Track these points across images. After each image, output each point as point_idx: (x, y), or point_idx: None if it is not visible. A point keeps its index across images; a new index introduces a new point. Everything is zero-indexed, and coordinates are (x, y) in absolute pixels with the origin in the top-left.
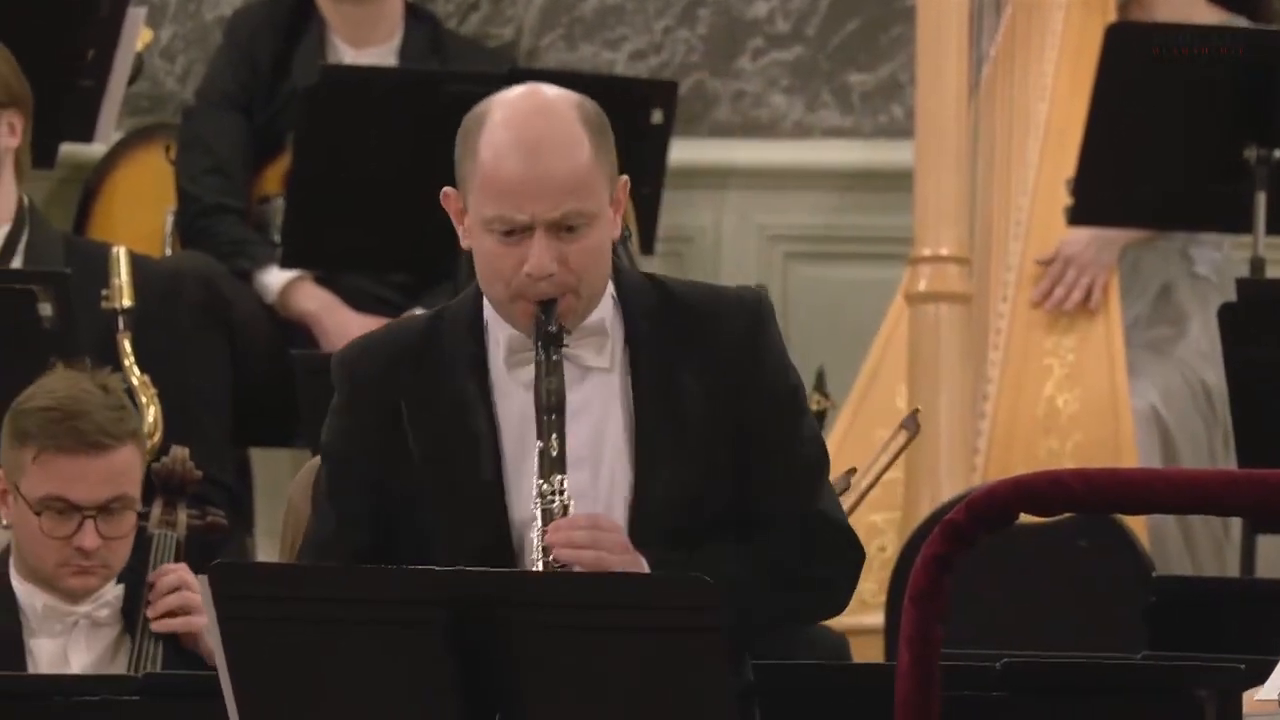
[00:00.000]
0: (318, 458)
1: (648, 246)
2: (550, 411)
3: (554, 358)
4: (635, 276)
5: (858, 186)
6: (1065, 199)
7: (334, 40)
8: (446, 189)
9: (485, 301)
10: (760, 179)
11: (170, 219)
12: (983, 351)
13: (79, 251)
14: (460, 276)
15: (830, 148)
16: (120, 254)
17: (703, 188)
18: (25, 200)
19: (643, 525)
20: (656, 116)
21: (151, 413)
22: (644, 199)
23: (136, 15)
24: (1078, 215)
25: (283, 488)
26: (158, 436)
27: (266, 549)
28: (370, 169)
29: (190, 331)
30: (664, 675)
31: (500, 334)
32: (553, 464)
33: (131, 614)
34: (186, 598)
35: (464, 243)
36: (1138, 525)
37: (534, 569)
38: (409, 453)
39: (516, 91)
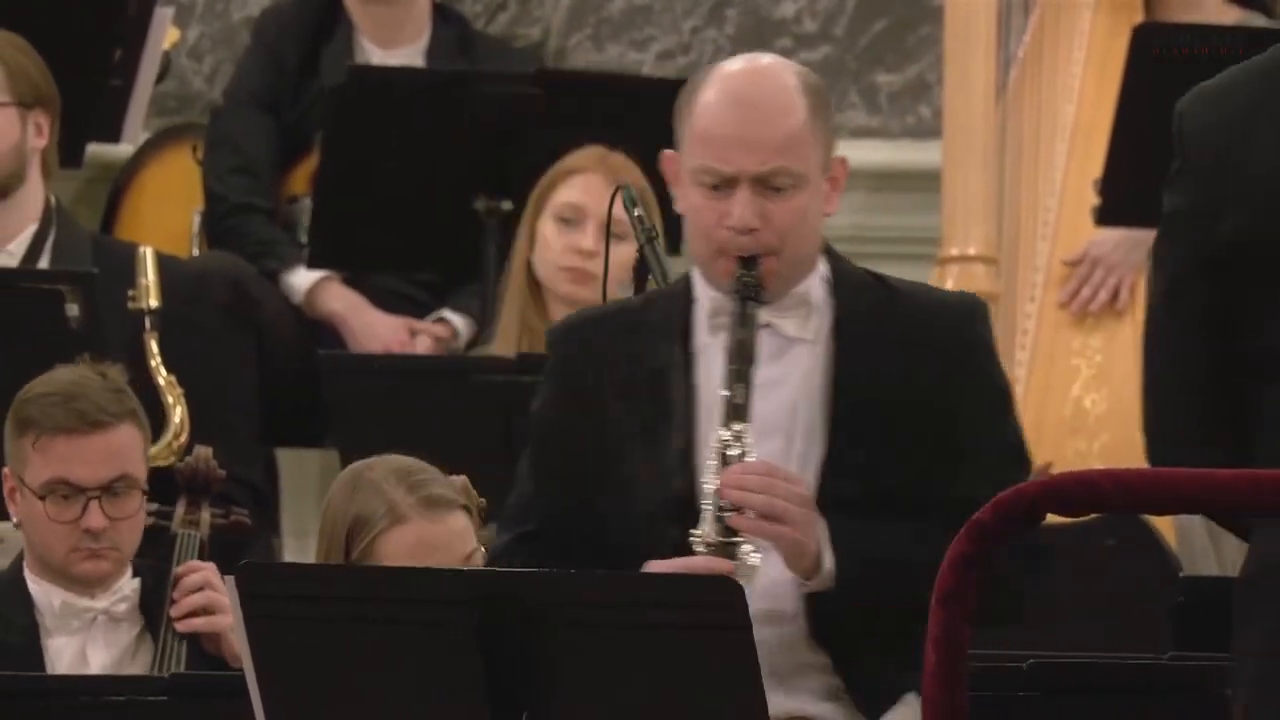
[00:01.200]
0: (356, 465)
1: (674, 247)
2: (739, 361)
3: (749, 310)
4: (853, 266)
5: (885, 186)
6: (1092, 199)
7: (362, 41)
8: (666, 151)
9: (695, 272)
10: None
11: (197, 219)
12: (1010, 351)
13: (106, 251)
14: (488, 276)
15: (858, 148)
16: (147, 254)
17: None
18: (52, 200)
19: (830, 497)
20: None
21: (178, 413)
22: (671, 199)
23: (164, 15)
24: (1105, 216)
25: (309, 489)
26: (184, 437)
27: (293, 550)
28: (398, 169)
29: (218, 331)
30: (692, 674)
31: (705, 298)
32: (735, 411)
33: (151, 610)
34: (211, 597)
35: (677, 206)
36: (1164, 525)
37: (704, 512)
38: (607, 418)
39: (739, 57)
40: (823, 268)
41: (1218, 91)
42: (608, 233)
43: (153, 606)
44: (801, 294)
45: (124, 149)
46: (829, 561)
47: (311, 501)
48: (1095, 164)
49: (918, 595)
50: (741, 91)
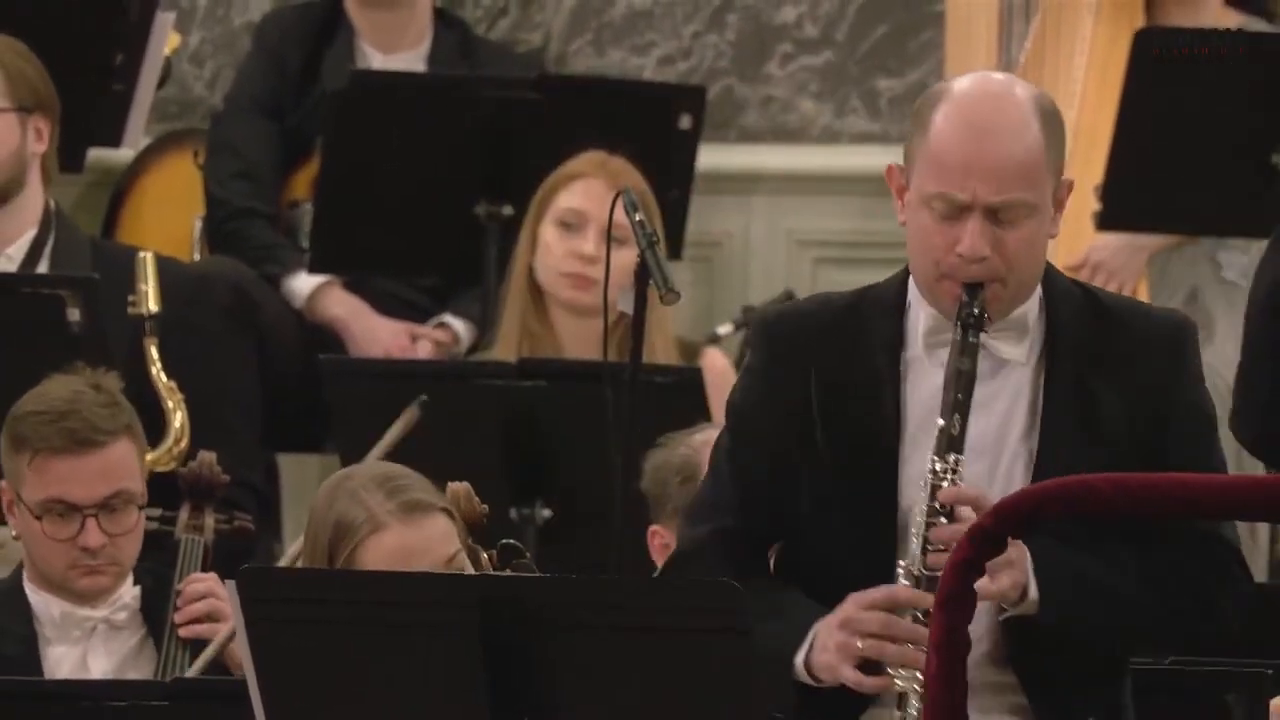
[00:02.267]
0: (337, 473)
1: (675, 252)
2: (957, 391)
3: (971, 339)
4: (1063, 280)
5: (886, 191)
6: (1094, 204)
7: (363, 46)
8: (891, 164)
9: (911, 283)
10: (789, 184)
11: (198, 224)
12: None
13: (106, 255)
14: (488, 281)
15: (859, 153)
16: (147, 259)
17: (731, 193)
18: (52, 204)
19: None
20: (685, 122)
21: (178, 418)
22: (672, 204)
23: (165, 20)
24: (1106, 221)
25: (311, 493)
26: (185, 442)
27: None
28: (399, 174)
29: (219, 334)
30: (692, 677)
31: (921, 314)
32: (950, 443)
33: (152, 616)
34: (214, 605)
35: (900, 218)
36: None
37: (913, 546)
38: (813, 422)
39: (972, 77)
40: (1038, 285)
41: None
42: (609, 238)
43: (154, 612)
44: (1020, 316)
45: (125, 154)
46: (1034, 591)
47: None
48: (1096, 169)
49: (1119, 624)
50: (978, 117)
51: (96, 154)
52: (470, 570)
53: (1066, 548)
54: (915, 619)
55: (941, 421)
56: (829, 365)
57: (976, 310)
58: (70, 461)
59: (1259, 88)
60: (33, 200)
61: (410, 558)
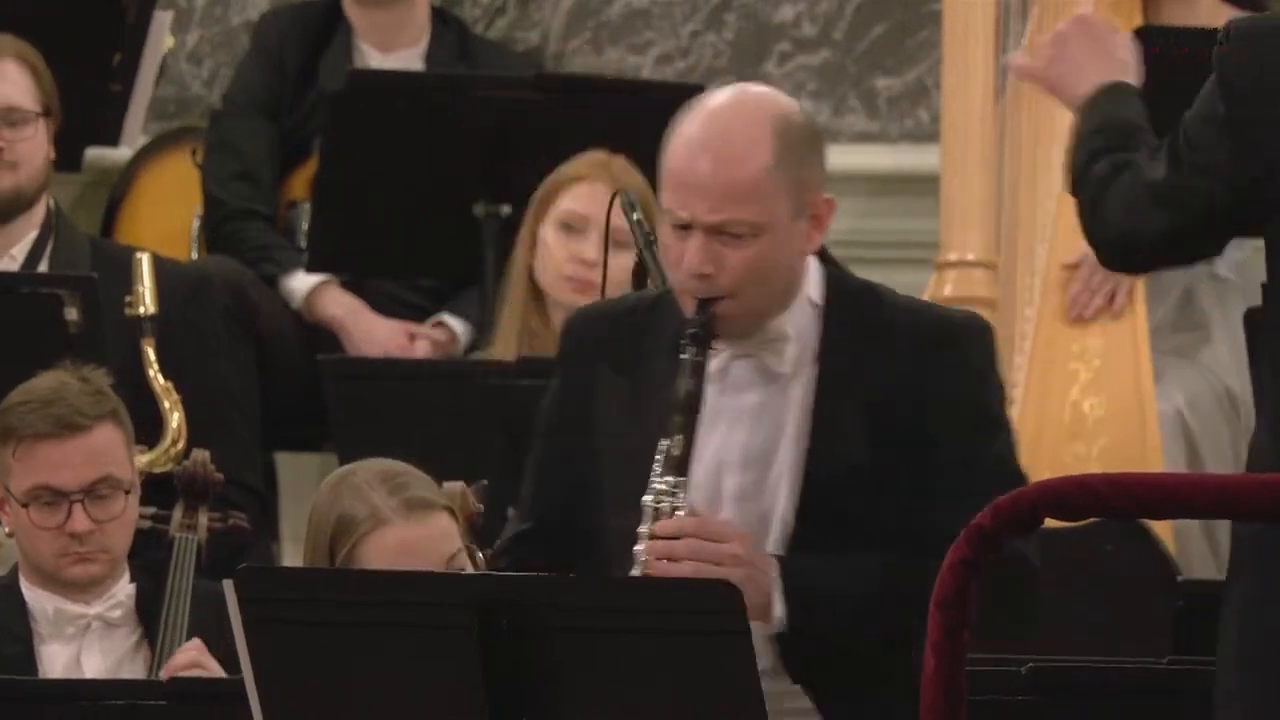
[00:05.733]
0: (341, 469)
1: None
2: (682, 411)
3: (696, 359)
4: (851, 284)
5: (884, 191)
6: None
7: (361, 45)
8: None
9: None
10: None
11: (196, 223)
12: (1008, 356)
13: (105, 255)
14: (486, 280)
15: (857, 152)
16: (144, 260)
17: None
18: (51, 204)
19: (802, 532)
20: None
21: (175, 419)
22: None
23: (163, 19)
24: None
25: (308, 493)
26: (182, 443)
27: (292, 555)
28: (397, 173)
29: (217, 334)
30: (691, 678)
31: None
32: (673, 464)
33: (148, 615)
34: (195, 660)
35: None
36: (1162, 529)
37: (636, 563)
38: (597, 422)
39: (725, 90)
40: (815, 290)
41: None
42: (606, 240)
43: (150, 612)
44: (778, 328)
45: (123, 153)
46: (779, 607)
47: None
48: None
49: (879, 628)
50: (705, 134)
51: (95, 153)
52: (469, 569)
53: (818, 556)
54: None
55: (665, 441)
56: (618, 358)
57: (699, 328)
58: (54, 446)
59: None
60: (38, 202)
61: (411, 555)
